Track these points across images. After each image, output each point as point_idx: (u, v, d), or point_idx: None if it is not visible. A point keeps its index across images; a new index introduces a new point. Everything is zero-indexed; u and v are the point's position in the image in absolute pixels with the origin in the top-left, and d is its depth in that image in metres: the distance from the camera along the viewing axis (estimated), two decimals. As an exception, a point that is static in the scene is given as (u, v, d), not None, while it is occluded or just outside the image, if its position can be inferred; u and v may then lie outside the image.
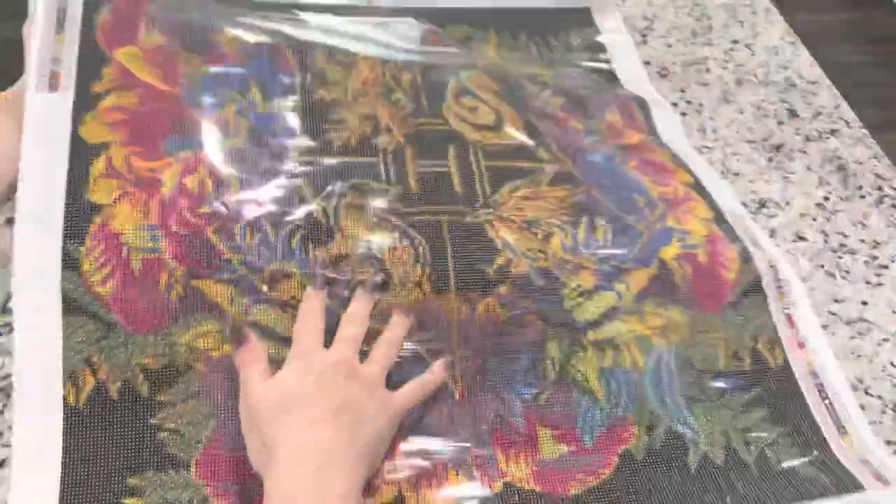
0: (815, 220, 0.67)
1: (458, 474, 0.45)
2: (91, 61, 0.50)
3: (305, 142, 0.52)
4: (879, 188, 0.70)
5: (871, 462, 0.49)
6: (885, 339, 0.58)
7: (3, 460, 0.46)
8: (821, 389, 0.52)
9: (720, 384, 0.51)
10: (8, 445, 0.47)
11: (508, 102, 0.61)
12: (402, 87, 0.59)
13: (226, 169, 0.49)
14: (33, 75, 0.48)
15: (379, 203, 0.51)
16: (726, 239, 0.57)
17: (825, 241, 0.65)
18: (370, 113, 0.56)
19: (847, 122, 0.77)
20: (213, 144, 0.49)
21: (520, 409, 0.48)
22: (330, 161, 0.52)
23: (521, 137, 0.59)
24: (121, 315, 0.44)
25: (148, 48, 0.52)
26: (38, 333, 0.43)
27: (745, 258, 0.56)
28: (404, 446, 0.46)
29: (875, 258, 0.64)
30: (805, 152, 0.73)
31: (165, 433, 0.43)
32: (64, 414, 0.42)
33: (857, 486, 0.47)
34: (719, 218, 0.59)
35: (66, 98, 0.48)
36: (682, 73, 0.80)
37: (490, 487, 0.45)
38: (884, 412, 0.54)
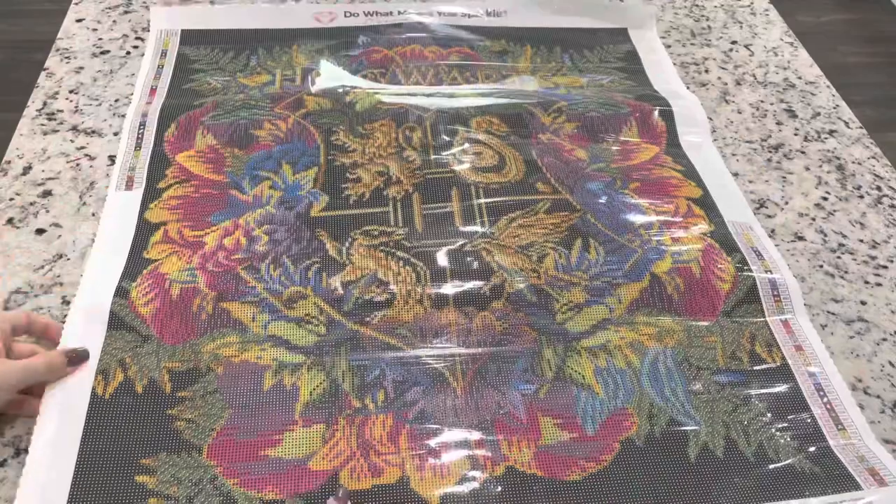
0: (813, 219, 0.67)
1: (460, 457, 0.47)
2: (158, 166, 0.63)
3: (326, 199, 0.62)
4: (878, 188, 0.70)
5: (867, 459, 0.49)
6: (884, 339, 0.58)
7: (4, 460, 0.46)
8: (819, 388, 0.53)
9: (720, 379, 0.53)
10: (8, 445, 0.47)
11: (512, 145, 0.68)
12: (413, 145, 0.67)
13: (258, 228, 0.59)
14: (114, 179, 0.62)
15: (386, 241, 0.59)
16: (722, 251, 0.60)
17: (824, 241, 0.65)
18: (383, 170, 0.65)
19: (846, 122, 0.77)
20: (248, 213, 0.60)
21: (520, 400, 0.51)
22: (346, 213, 0.61)
23: (521, 177, 0.66)
24: (156, 329, 0.52)
25: (202, 149, 0.65)
26: (84, 339, 0.51)
27: (741, 269, 0.59)
28: (407, 433, 0.48)
29: (874, 258, 0.64)
30: (804, 152, 0.73)
31: (182, 422, 0.48)
32: (89, 402, 0.48)
33: (853, 484, 0.48)
34: (719, 231, 0.62)
35: (137, 194, 0.61)
36: (681, 73, 0.80)
37: (492, 470, 0.47)
38: (882, 412, 0.54)
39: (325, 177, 0.64)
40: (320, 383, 0.50)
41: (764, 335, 0.56)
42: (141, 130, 0.66)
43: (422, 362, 0.52)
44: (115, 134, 0.67)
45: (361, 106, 0.70)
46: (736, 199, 0.66)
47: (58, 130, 0.68)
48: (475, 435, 0.49)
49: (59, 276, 0.56)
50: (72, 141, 0.67)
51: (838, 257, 0.64)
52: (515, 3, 0.83)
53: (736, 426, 0.50)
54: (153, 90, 0.71)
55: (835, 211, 0.68)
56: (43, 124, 0.68)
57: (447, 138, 0.68)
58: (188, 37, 0.77)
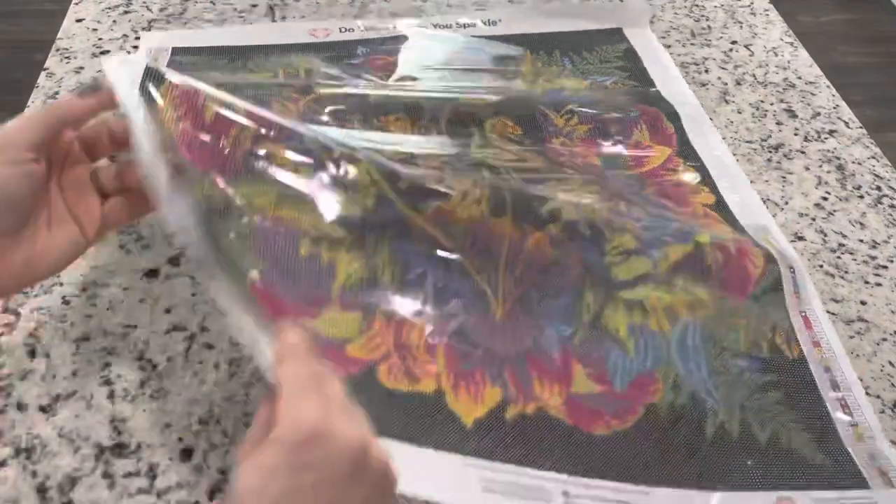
0: (813, 219, 0.67)
1: (494, 385, 0.46)
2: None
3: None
4: (878, 188, 0.70)
5: (877, 458, 0.50)
6: (884, 339, 0.58)
7: (4, 460, 0.46)
8: (834, 384, 0.53)
9: (740, 363, 0.53)
10: (7, 445, 0.47)
11: (530, 149, 0.66)
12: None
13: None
14: None
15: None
16: (750, 241, 0.60)
17: (824, 241, 0.65)
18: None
19: (846, 123, 0.77)
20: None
21: (556, 341, 0.50)
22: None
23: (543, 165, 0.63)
24: (188, 154, 0.45)
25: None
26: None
27: (769, 260, 0.59)
28: (444, 347, 0.47)
29: (874, 258, 0.64)
30: (804, 152, 0.73)
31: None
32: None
33: (861, 481, 0.48)
34: (739, 234, 0.62)
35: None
36: (681, 73, 0.80)
37: (524, 407, 0.46)
38: (882, 412, 0.54)
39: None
40: (358, 269, 0.47)
41: (784, 327, 0.56)
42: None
43: (466, 274, 0.50)
44: (115, 134, 0.67)
45: (375, 98, 0.67)
46: (750, 199, 0.66)
47: (58, 130, 0.68)
48: (510, 367, 0.47)
49: (59, 277, 0.56)
50: (72, 141, 0.67)
51: (838, 257, 0.64)
52: (509, 12, 0.83)
53: (751, 411, 0.51)
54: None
55: (835, 211, 0.68)
56: (43, 124, 0.68)
57: (464, 134, 0.66)
58: (179, 51, 0.74)
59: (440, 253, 0.50)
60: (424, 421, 0.44)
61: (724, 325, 0.54)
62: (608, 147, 0.69)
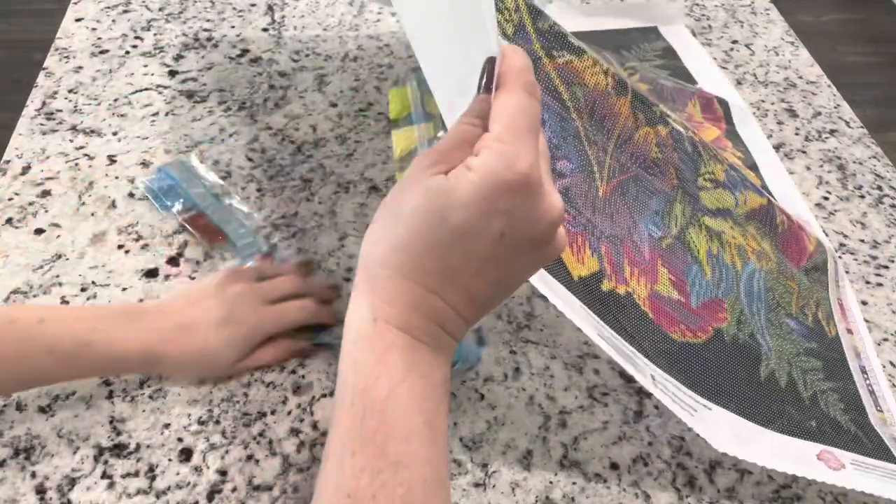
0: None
1: (592, 255, 0.47)
2: None
3: None
4: (879, 188, 0.70)
5: None
6: (885, 339, 0.58)
7: (4, 460, 0.46)
8: (863, 370, 0.55)
9: (790, 322, 0.54)
10: (7, 445, 0.47)
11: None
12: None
13: None
14: None
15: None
16: (805, 224, 0.62)
17: (825, 241, 0.65)
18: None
19: (846, 122, 0.77)
20: None
21: (647, 239, 0.50)
22: None
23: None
24: None
25: None
26: None
27: (819, 243, 0.60)
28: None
29: (875, 258, 0.64)
30: (804, 152, 0.73)
31: None
32: None
33: (891, 457, 0.49)
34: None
35: None
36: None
37: (615, 286, 0.47)
38: (884, 412, 0.54)
39: None
40: None
41: (825, 306, 0.57)
42: None
43: (579, 140, 0.49)
44: (115, 133, 0.67)
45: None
46: (794, 195, 0.66)
47: (57, 130, 0.68)
48: (606, 244, 0.48)
49: (58, 277, 0.56)
50: (71, 141, 0.67)
51: (839, 257, 0.64)
52: (549, 12, 0.82)
53: (797, 369, 0.52)
54: None
55: (836, 211, 0.68)
56: (42, 124, 0.68)
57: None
58: None
59: (560, 110, 0.49)
60: None
61: (781, 284, 0.56)
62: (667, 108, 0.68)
